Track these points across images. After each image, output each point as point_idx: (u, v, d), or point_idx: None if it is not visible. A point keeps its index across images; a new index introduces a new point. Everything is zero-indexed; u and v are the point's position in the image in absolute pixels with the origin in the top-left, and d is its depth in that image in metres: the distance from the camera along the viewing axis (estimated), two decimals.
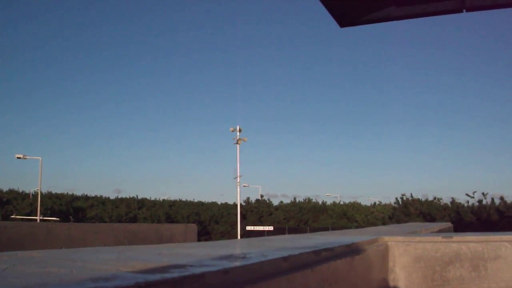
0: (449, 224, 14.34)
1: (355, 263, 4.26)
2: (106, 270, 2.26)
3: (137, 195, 72.10)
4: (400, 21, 7.34)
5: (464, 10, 6.61)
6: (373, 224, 47.37)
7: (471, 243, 5.35)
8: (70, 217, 59.26)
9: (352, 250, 4.42)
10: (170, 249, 3.58)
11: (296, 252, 3.34)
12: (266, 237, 6.15)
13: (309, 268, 3.29)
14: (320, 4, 6.26)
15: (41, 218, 52.98)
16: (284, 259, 3.05)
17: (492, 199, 34.53)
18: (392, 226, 11.58)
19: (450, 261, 5.35)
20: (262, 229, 60.66)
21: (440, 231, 10.91)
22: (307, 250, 3.51)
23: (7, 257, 2.67)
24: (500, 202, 34.06)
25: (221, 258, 2.94)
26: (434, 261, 5.40)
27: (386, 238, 5.61)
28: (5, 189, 62.70)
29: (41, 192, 57.90)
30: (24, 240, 9.05)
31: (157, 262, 2.66)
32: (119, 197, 73.20)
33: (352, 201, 71.72)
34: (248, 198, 68.71)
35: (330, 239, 5.57)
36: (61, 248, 9.55)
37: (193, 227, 13.55)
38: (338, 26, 6.98)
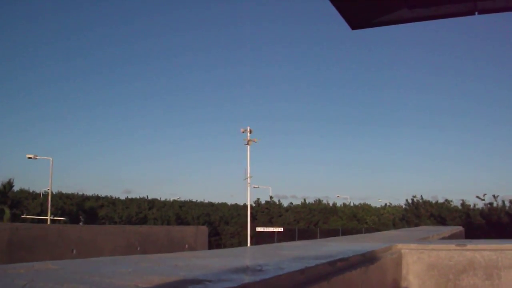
0: (460, 228, 14.27)
1: (369, 272, 4.25)
2: (125, 287, 2.26)
3: (147, 196, 72.29)
4: (411, 23, 7.32)
5: (476, 13, 6.58)
6: (384, 226, 47.30)
7: (485, 251, 5.33)
8: (80, 217, 59.45)
9: (367, 259, 4.41)
10: (185, 259, 3.58)
11: (312, 263, 3.33)
12: (278, 245, 6.14)
13: (325, 280, 3.28)
14: (332, 6, 6.26)
15: (51, 218, 53.19)
16: (301, 271, 3.04)
17: (503, 201, 34.40)
18: (403, 231, 11.55)
19: (464, 269, 5.33)
20: (272, 230, 60.62)
21: (452, 236, 10.86)
22: (323, 261, 3.50)
23: (24, 270, 2.67)
24: (510, 205, 33.91)
25: (238, 271, 2.94)
26: (447, 269, 5.38)
27: (400, 245, 5.60)
28: (16, 189, 62.96)
29: (51, 192, 58.09)
30: (35, 242, 9.09)
31: (174, 276, 2.66)
32: (129, 197, 73.46)
33: (362, 203, 71.59)
34: (258, 199, 68.65)
35: (344, 246, 5.56)
36: (72, 250, 9.61)
37: (204, 230, 13.59)
38: (349, 28, 6.98)
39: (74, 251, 10.00)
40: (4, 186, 50.13)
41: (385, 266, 4.86)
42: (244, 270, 2.98)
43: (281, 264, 3.28)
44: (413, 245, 5.63)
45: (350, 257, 4.03)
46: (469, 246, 5.42)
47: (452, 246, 5.47)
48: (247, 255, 4.41)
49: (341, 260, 3.79)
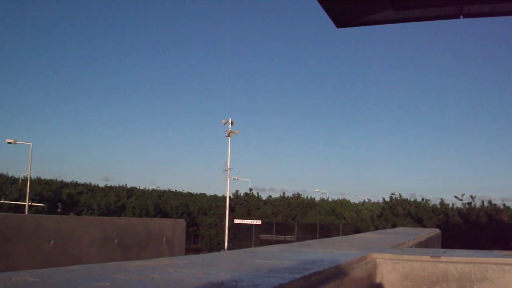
0: (437, 231, 14.43)
1: (343, 284, 4.30)
2: None
3: (126, 184, 72.14)
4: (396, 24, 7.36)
5: (462, 16, 6.64)
6: (362, 222, 47.53)
7: (459, 264, 5.40)
8: (59, 204, 59.16)
9: (341, 271, 4.46)
10: (162, 270, 3.60)
11: (287, 279, 3.37)
12: (254, 250, 6.16)
13: None
14: (318, 4, 6.28)
15: (29, 204, 52.87)
16: None
17: (483, 202, 34.71)
18: (380, 233, 11.64)
19: (437, 281, 5.40)
20: (250, 222, 60.71)
21: (429, 239, 10.98)
22: (297, 276, 3.54)
23: (1, 283, 2.68)
24: (488, 206, 34.22)
25: (213, 287, 2.97)
26: (421, 280, 5.45)
27: (375, 255, 5.65)
28: None
29: (30, 178, 57.72)
30: (12, 232, 9.04)
31: None
32: (108, 185, 73.28)
33: (340, 198, 71.96)
34: (237, 191, 68.74)
35: (320, 254, 5.61)
36: (50, 241, 9.60)
37: (182, 223, 13.59)
38: (334, 26, 7.00)
39: (52, 242, 9.98)
40: None
41: (359, 277, 4.91)
42: (219, 286, 3.01)
43: (256, 280, 3.32)
44: (388, 255, 5.69)
45: (325, 270, 4.07)
46: (443, 258, 5.49)
47: (427, 258, 5.54)
48: (223, 265, 4.44)
49: (316, 274, 3.83)
